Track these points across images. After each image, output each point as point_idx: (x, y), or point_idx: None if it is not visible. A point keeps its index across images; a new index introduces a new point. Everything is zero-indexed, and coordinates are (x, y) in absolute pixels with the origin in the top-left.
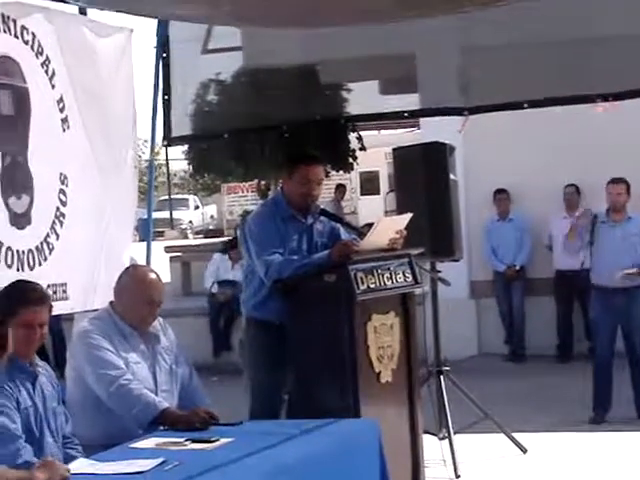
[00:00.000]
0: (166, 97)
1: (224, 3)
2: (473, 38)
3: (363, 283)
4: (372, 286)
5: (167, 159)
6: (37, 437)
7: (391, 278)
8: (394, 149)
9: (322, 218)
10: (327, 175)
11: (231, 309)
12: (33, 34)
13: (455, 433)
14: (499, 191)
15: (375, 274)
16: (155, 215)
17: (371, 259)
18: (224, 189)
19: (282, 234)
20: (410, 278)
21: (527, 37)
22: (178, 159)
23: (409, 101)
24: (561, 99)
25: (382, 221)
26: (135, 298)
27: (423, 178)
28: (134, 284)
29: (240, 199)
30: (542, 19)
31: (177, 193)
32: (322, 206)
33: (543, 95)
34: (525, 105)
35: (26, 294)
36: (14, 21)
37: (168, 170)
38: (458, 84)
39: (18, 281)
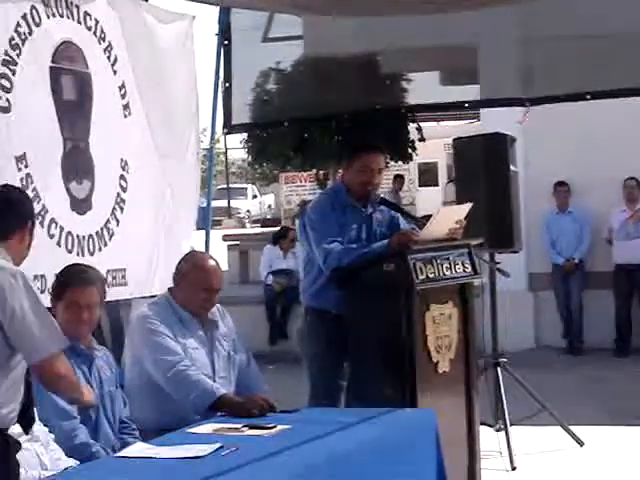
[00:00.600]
0: (227, 85)
1: None
2: (535, 29)
3: (422, 273)
4: (431, 276)
5: (226, 147)
6: (93, 419)
7: (450, 268)
8: (454, 139)
9: (382, 207)
10: (386, 165)
11: (287, 298)
12: (96, 20)
13: (511, 425)
14: (559, 183)
15: (434, 264)
16: (213, 204)
17: (430, 249)
18: (282, 178)
19: (341, 223)
20: (469, 268)
21: (589, 28)
22: (237, 148)
23: (470, 92)
24: (623, 91)
25: (442, 211)
26: (194, 285)
27: (483, 169)
28: (193, 271)
29: (298, 189)
30: (605, 9)
31: (235, 182)
32: (377, 194)
33: (605, 87)
34: (587, 97)
35: (74, 276)
36: (77, 7)
37: (227, 159)
38: (519, 75)
39: (70, 265)
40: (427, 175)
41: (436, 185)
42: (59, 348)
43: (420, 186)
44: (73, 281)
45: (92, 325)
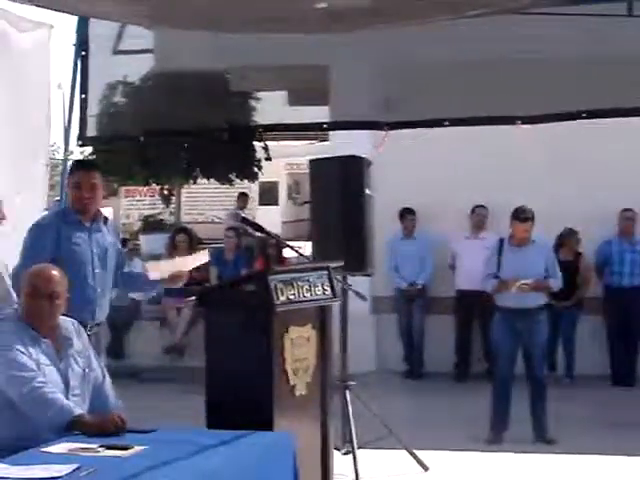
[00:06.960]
0: (83, 96)
1: (142, 2)
2: (397, 55)
3: (282, 294)
4: (291, 297)
5: (65, 158)
6: None
7: (310, 290)
8: (311, 160)
9: (103, 228)
10: (231, 183)
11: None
12: None
13: (358, 448)
14: (407, 211)
15: (295, 285)
16: None
17: (291, 270)
18: (121, 192)
19: (62, 239)
20: (329, 291)
21: (450, 56)
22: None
23: (318, 113)
24: (481, 119)
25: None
26: (26, 295)
27: (339, 191)
28: (24, 280)
29: (137, 203)
30: (465, 39)
31: None
32: (237, 213)
33: (464, 114)
34: (446, 123)
35: None
36: None
37: (65, 170)
38: (379, 99)
39: None
40: (267, 194)
41: (276, 204)
42: None
43: (260, 205)
44: None
45: None
